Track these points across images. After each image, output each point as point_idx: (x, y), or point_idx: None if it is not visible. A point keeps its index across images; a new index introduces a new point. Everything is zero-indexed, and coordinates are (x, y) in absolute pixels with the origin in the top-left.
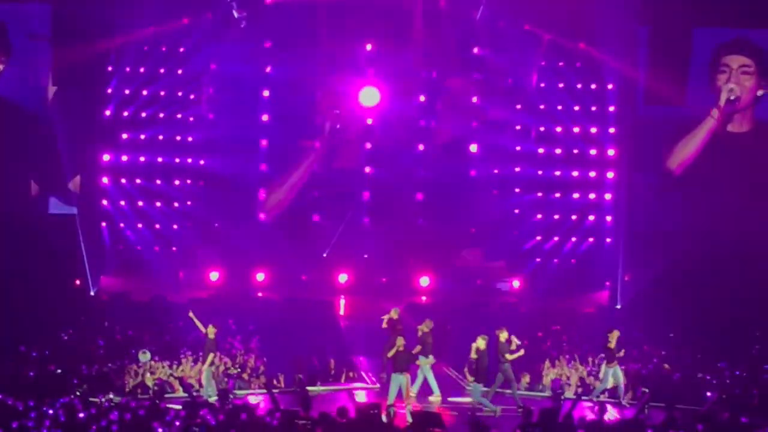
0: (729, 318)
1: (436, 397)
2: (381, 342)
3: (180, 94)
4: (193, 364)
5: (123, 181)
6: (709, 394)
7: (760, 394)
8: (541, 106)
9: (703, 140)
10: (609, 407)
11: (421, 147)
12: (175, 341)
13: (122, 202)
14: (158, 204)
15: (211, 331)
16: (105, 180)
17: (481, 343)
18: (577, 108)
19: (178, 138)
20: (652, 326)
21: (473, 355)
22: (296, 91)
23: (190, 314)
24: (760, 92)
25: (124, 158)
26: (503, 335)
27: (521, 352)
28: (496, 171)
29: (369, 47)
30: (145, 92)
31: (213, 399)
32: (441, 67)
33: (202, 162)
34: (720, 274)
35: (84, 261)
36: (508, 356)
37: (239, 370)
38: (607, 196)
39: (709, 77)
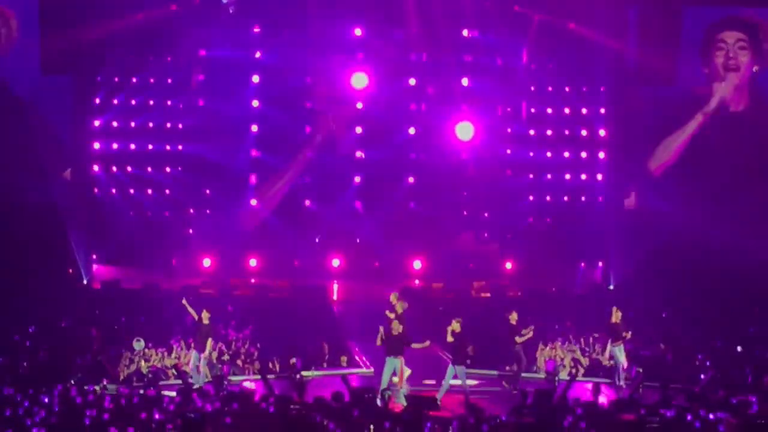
0: (723, 297)
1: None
2: (375, 326)
3: (169, 80)
4: (187, 351)
5: (114, 169)
6: (703, 376)
7: (753, 373)
8: (532, 88)
9: (684, 142)
10: (603, 387)
11: (411, 130)
12: (169, 328)
13: (113, 190)
14: (150, 191)
15: (205, 317)
16: (96, 168)
17: (455, 326)
18: (567, 89)
19: (169, 125)
20: (646, 306)
21: (449, 338)
22: (286, 75)
23: (183, 301)
24: (755, 68)
25: (115, 146)
26: (513, 317)
27: (530, 334)
28: (487, 154)
29: (358, 32)
30: (134, 79)
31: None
32: (431, 50)
33: (193, 149)
34: (714, 253)
35: (74, 250)
36: (518, 339)
37: (231, 356)
38: (599, 177)
39: (705, 55)
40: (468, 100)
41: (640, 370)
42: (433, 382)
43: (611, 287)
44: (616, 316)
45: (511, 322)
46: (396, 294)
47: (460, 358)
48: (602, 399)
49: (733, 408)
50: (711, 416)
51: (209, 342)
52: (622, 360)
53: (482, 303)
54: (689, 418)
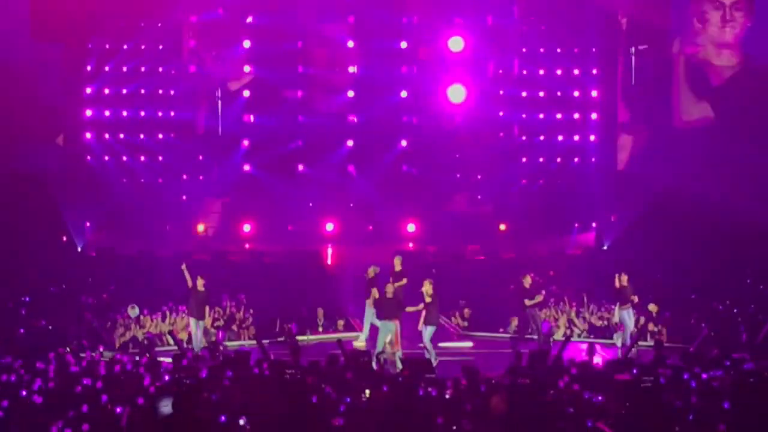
0: (717, 256)
1: (360, 342)
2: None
3: (161, 47)
4: (175, 315)
5: (106, 136)
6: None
7: (747, 331)
8: (524, 49)
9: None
10: (598, 348)
11: (403, 94)
12: (164, 295)
13: (106, 157)
14: (142, 158)
15: (200, 284)
16: (88, 135)
17: (427, 287)
18: (559, 50)
19: (161, 91)
20: (640, 266)
21: (427, 300)
22: (278, 40)
23: (183, 267)
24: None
25: (107, 113)
26: (527, 281)
27: (540, 298)
28: (480, 116)
29: None
30: (126, 46)
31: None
32: (422, 12)
33: (185, 115)
34: (707, 213)
35: (68, 217)
36: (527, 302)
37: (227, 321)
38: (592, 138)
39: (699, 14)
40: (459, 63)
41: (635, 330)
42: (452, 344)
43: (605, 247)
44: (621, 280)
45: (524, 285)
46: (400, 257)
47: (432, 318)
48: (597, 359)
49: (727, 366)
50: (704, 375)
51: (206, 309)
52: (631, 324)
53: (476, 265)
54: (685, 376)
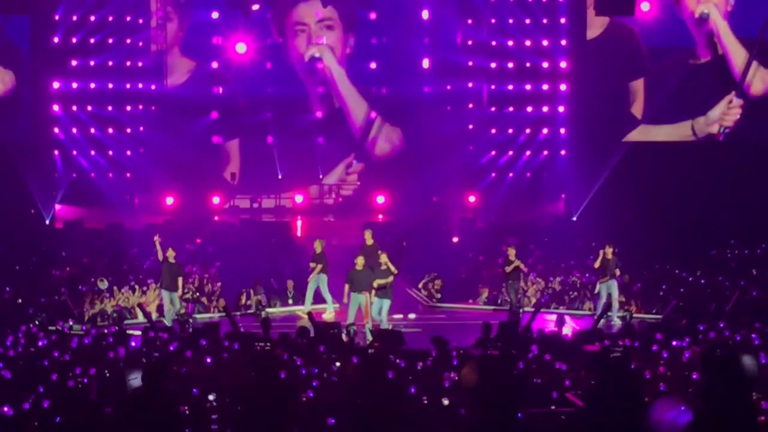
0: (686, 225)
1: (329, 313)
2: (339, 262)
3: (128, 18)
4: (144, 288)
5: (74, 108)
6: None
7: (716, 300)
8: (492, 20)
9: None
10: (567, 318)
11: (373, 65)
12: (133, 268)
13: (74, 130)
14: (110, 130)
15: (170, 255)
16: (56, 108)
17: (384, 258)
18: (528, 21)
19: (128, 63)
20: (609, 237)
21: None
22: (247, 11)
23: (156, 239)
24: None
25: (75, 85)
26: (512, 252)
27: (516, 263)
28: (448, 87)
29: None
30: (93, 18)
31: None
32: None
33: (153, 87)
34: (678, 181)
35: (36, 190)
36: (507, 268)
37: (198, 294)
38: (561, 109)
39: None
40: (428, 33)
41: (605, 301)
42: (400, 316)
43: (574, 218)
44: (607, 252)
45: (509, 257)
46: (371, 231)
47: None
48: (566, 330)
49: (696, 336)
50: (675, 342)
51: (180, 280)
52: (616, 296)
53: (446, 237)
54: (654, 348)
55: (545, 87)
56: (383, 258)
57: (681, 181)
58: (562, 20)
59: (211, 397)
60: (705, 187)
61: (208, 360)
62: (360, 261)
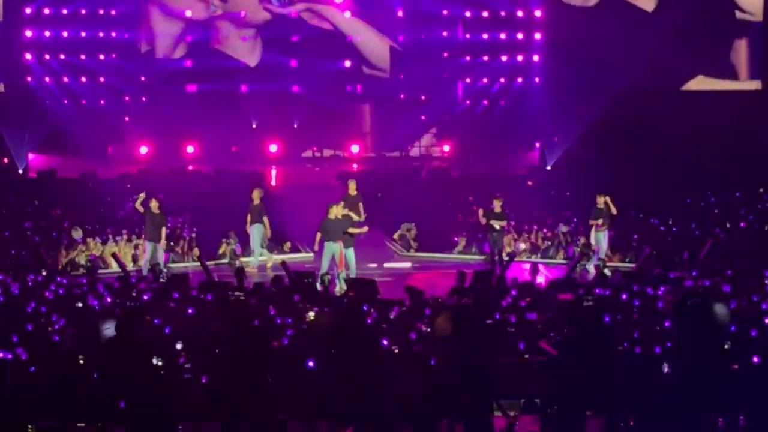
0: (661, 175)
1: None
2: (313, 212)
3: None
4: (118, 238)
5: (47, 57)
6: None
7: (689, 249)
8: None
9: None
10: (541, 267)
11: (348, 14)
12: (107, 218)
13: (47, 79)
14: (84, 79)
15: (154, 206)
16: (28, 56)
17: (334, 209)
18: None
19: (101, 11)
20: (583, 186)
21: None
22: None
23: (141, 196)
24: None
25: (47, 33)
26: (497, 204)
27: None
28: (423, 36)
29: None
30: None
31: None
32: None
33: (126, 35)
34: (653, 130)
35: (9, 139)
36: (495, 224)
37: (172, 243)
38: (535, 58)
39: None
40: None
41: (578, 249)
42: (375, 265)
43: (548, 168)
44: (600, 201)
45: (495, 210)
46: (355, 182)
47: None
48: (540, 279)
49: (670, 284)
50: (649, 290)
51: (163, 231)
52: (604, 246)
53: (421, 186)
54: (623, 297)
55: (520, 36)
56: (360, 208)
57: (657, 131)
58: None
59: (178, 346)
60: (676, 136)
61: (190, 311)
62: (334, 210)
